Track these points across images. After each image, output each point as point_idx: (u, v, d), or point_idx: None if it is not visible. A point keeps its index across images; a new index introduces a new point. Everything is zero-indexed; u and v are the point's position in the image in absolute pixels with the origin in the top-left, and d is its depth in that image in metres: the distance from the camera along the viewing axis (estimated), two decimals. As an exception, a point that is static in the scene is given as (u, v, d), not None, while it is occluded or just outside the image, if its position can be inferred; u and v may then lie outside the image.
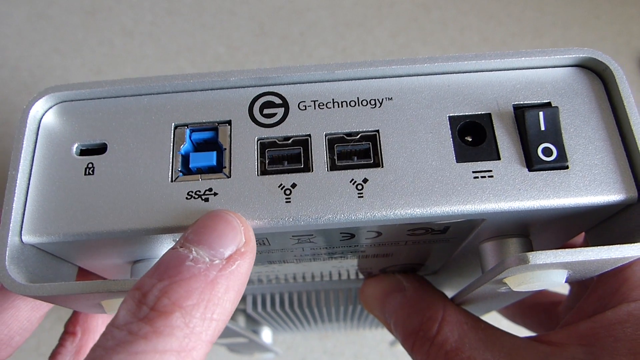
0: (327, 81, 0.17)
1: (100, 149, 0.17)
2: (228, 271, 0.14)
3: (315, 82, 0.17)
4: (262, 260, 0.21)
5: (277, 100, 0.17)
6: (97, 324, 0.24)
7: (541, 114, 0.16)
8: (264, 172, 0.16)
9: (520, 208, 0.15)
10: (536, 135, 0.16)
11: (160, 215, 0.15)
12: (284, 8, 0.55)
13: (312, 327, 0.41)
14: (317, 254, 0.21)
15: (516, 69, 0.17)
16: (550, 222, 0.17)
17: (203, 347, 0.13)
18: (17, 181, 0.16)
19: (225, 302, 0.14)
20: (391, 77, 0.17)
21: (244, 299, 0.31)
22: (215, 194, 0.16)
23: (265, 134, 0.16)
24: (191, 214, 0.15)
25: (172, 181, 0.16)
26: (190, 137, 0.17)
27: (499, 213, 0.15)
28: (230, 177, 0.16)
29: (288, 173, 0.16)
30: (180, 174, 0.16)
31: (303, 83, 0.17)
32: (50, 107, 0.17)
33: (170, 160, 0.16)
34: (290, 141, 0.16)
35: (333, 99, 0.17)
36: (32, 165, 0.16)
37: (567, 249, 0.15)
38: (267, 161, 0.16)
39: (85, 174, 0.16)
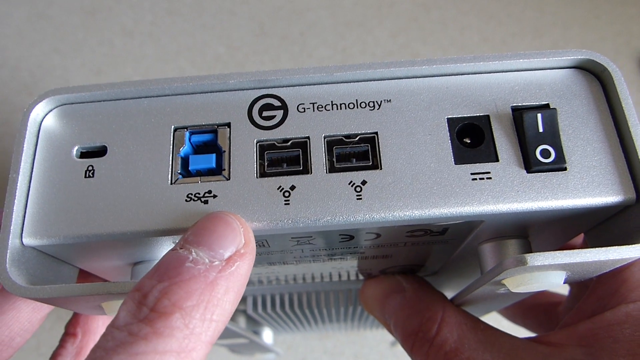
0: (326, 83, 0.17)
1: (100, 152, 0.17)
2: (228, 272, 0.14)
3: (314, 84, 0.17)
4: (262, 261, 0.21)
5: (276, 103, 0.17)
6: (98, 326, 0.24)
7: (539, 115, 0.16)
8: (263, 174, 0.16)
9: (519, 210, 0.15)
10: (534, 137, 0.16)
11: (160, 218, 0.16)
12: (284, 8, 0.55)
13: (312, 328, 0.41)
14: (317, 256, 0.21)
15: (514, 71, 0.17)
16: (548, 224, 0.17)
17: (203, 347, 0.13)
18: (18, 184, 0.16)
19: (225, 303, 0.14)
20: (390, 79, 0.17)
21: (244, 300, 0.31)
22: (214, 196, 0.16)
23: (265, 136, 0.16)
24: (191, 216, 0.15)
25: (171, 183, 0.16)
26: (189, 139, 0.17)
27: (498, 215, 0.15)
28: (229, 179, 0.16)
29: (287, 175, 0.16)
30: (180, 176, 0.16)
31: (302, 85, 0.17)
32: (51, 110, 0.17)
33: (170, 163, 0.16)
34: (289, 143, 0.16)
35: (332, 101, 0.17)
36: (32, 168, 0.16)
37: (565, 251, 0.15)
38: (266, 163, 0.16)
39: (85, 177, 0.16)
